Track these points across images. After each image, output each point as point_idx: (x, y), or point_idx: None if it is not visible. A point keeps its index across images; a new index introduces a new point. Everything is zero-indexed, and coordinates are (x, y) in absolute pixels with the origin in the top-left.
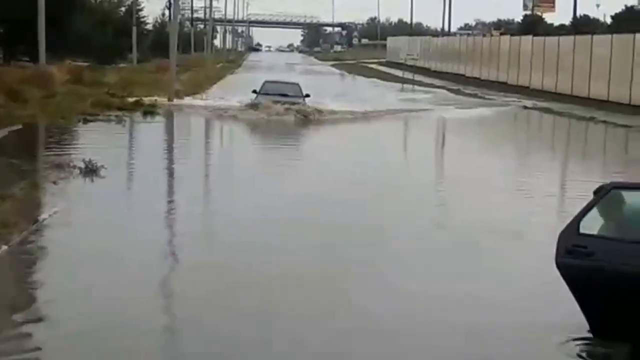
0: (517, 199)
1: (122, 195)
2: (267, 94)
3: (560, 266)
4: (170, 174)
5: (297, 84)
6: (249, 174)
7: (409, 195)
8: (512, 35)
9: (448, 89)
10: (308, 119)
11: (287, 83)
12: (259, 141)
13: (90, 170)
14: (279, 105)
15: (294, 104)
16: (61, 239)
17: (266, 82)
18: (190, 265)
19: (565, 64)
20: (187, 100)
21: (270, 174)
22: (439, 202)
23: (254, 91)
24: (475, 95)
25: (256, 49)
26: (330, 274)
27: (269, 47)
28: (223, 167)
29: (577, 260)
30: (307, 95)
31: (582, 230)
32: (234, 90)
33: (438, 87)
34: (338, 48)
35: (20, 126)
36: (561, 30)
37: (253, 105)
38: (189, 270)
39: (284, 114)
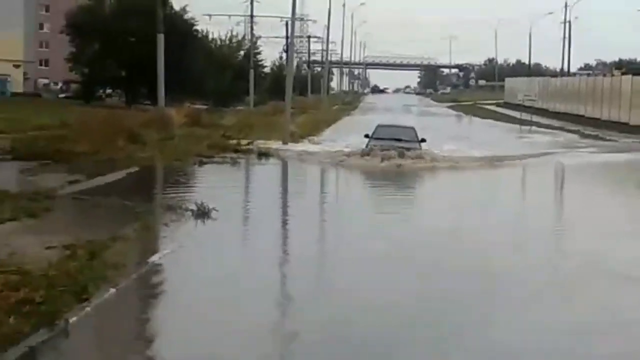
0: None
1: (231, 238)
2: (380, 139)
3: None
4: (280, 216)
5: (412, 128)
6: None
7: None
8: (634, 74)
9: (567, 130)
10: (424, 166)
11: (401, 127)
12: (365, 196)
13: (202, 213)
14: (392, 151)
15: (409, 149)
16: (170, 281)
17: (379, 126)
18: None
19: None
20: (300, 145)
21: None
22: None
23: (367, 135)
24: (596, 137)
25: (377, 90)
26: None
27: (387, 88)
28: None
29: None
30: (423, 140)
31: None
32: (348, 133)
33: (557, 128)
34: (447, 89)
35: (137, 168)
36: None
37: (365, 151)
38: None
39: (398, 160)
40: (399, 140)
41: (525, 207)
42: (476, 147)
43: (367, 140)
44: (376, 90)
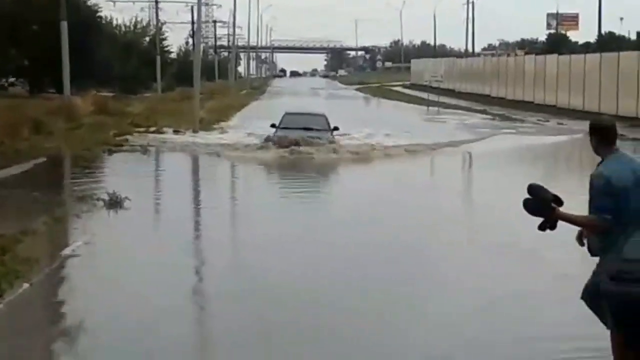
0: None
1: (146, 227)
2: (288, 128)
3: None
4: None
5: (323, 115)
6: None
7: None
8: (537, 54)
9: (475, 110)
10: (336, 157)
11: (311, 114)
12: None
13: (114, 203)
14: (299, 139)
15: (319, 138)
16: (83, 274)
17: (287, 114)
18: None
19: (592, 81)
20: (209, 133)
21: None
22: None
23: (273, 125)
24: (503, 117)
25: (280, 75)
26: None
27: (296, 71)
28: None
29: None
30: (336, 128)
31: None
32: (257, 118)
33: (465, 108)
34: (342, 72)
35: (44, 158)
36: (586, 48)
37: (269, 141)
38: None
39: (305, 151)
40: (309, 129)
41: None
42: (390, 134)
43: (273, 130)
44: (278, 75)
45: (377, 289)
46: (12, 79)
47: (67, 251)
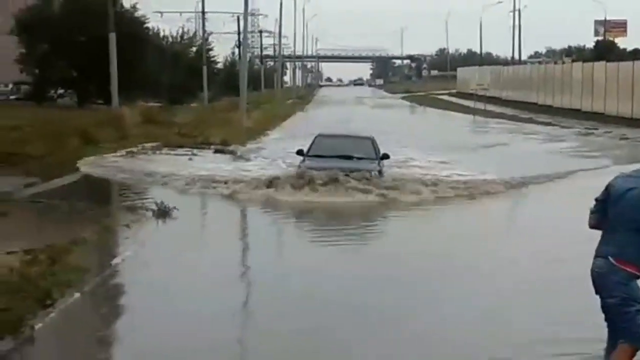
0: None
1: (193, 237)
2: (320, 157)
3: None
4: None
5: (370, 139)
6: None
7: None
8: (584, 61)
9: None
10: (386, 201)
11: (352, 137)
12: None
13: (163, 213)
14: (334, 176)
15: (360, 170)
16: (133, 283)
17: (319, 136)
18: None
19: None
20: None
21: None
22: None
23: (300, 152)
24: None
25: (325, 84)
26: None
27: (341, 80)
28: None
29: None
30: (386, 157)
31: None
32: (302, 130)
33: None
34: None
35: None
36: (635, 54)
37: (298, 176)
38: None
39: (341, 193)
40: (349, 157)
41: None
42: (452, 158)
43: (300, 158)
44: (323, 85)
45: None
46: (60, 91)
47: (117, 260)
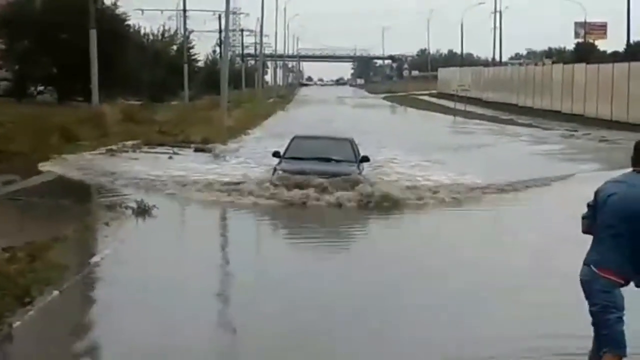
0: None
1: (174, 235)
2: (297, 159)
3: None
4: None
5: (349, 140)
6: None
7: None
8: (564, 63)
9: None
10: (366, 205)
11: (330, 139)
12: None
13: (142, 211)
14: (308, 178)
15: (339, 175)
16: (112, 281)
17: (296, 138)
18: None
19: (621, 91)
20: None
21: None
22: None
23: (276, 154)
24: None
25: (306, 84)
26: None
27: (322, 80)
28: None
29: None
30: (365, 159)
31: None
32: (283, 129)
33: (490, 118)
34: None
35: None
36: (615, 57)
37: (273, 179)
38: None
39: (315, 196)
40: (327, 160)
41: None
42: (432, 159)
43: (276, 160)
44: (304, 84)
45: None
46: (40, 87)
47: (96, 258)
